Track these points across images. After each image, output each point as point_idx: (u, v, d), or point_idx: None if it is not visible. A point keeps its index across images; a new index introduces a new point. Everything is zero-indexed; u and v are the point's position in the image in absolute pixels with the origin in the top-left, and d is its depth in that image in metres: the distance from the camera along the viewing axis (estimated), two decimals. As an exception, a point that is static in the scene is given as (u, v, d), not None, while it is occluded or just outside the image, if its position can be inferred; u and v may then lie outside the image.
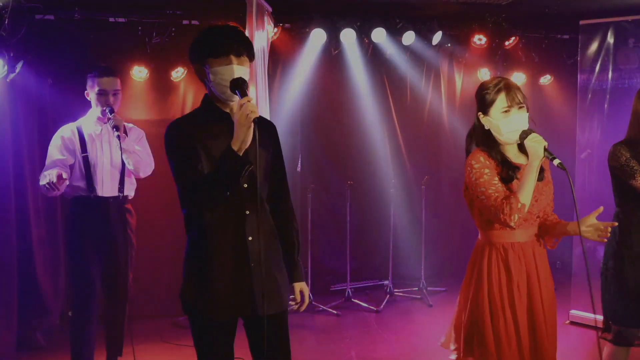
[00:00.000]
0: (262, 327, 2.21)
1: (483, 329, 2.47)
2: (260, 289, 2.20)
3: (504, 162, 2.45)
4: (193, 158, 2.17)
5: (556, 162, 2.28)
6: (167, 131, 2.23)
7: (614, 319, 3.03)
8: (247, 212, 2.22)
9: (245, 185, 2.22)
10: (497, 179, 2.42)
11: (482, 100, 2.46)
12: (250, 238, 2.22)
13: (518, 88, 2.43)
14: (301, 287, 2.45)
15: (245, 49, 2.20)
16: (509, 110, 2.39)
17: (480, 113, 2.48)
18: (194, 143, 2.18)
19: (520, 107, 2.40)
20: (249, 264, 2.22)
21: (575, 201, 2.33)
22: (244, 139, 2.08)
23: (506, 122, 2.40)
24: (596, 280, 3.14)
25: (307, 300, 2.47)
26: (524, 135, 2.36)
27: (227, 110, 2.24)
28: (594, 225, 2.43)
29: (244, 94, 2.11)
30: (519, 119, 2.39)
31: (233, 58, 2.15)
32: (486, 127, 2.47)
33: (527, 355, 2.44)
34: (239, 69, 2.15)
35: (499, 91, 2.41)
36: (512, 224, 2.35)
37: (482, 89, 2.47)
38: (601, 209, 2.46)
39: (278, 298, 2.30)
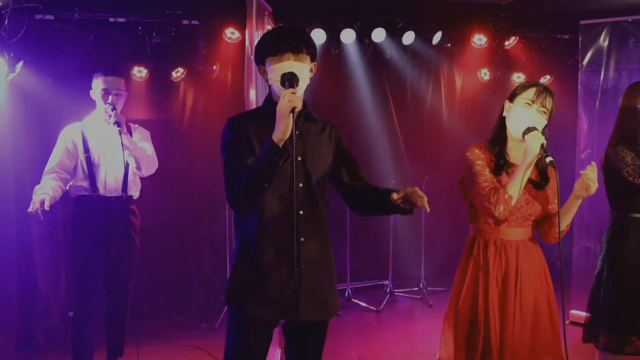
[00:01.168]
0: (301, 331, 2.20)
1: (451, 314, 2.57)
2: (308, 293, 2.18)
3: (498, 155, 2.50)
4: (245, 152, 2.16)
5: (548, 159, 2.31)
6: (226, 124, 2.24)
7: (608, 325, 2.94)
8: (301, 213, 2.19)
9: (301, 185, 2.19)
10: (488, 170, 2.47)
11: (515, 90, 2.53)
12: (302, 239, 2.20)
13: (552, 97, 2.47)
14: (404, 191, 2.14)
15: (305, 46, 2.19)
16: (530, 105, 2.43)
17: (507, 100, 2.53)
18: (250, 138, 2.18)
19: (542, 112, 2.43)
20: (299, 266, 2.18)
21: (559, 198, 2.38)
22: (283, 129, 2.04)
23: (522, 112, 2.43)
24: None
25: (418, 190, 2.16)
26: (527, 131, 2.39)
27: None
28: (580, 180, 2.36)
29: (291, 86, 2.10)
30: (534, 118, 2.41)
31: (290, 55, 2.15)
32: (504, 114, 2.52)
33: (495, 351, 2.43)
34: (294, 65, 2.14)
35: (532, 86, 2.47)
36: (496, 213, 2.40)
37: (521, 83, 2.56)
38: (593, 163, 2.39)
39: (324, 305, 2.26)
